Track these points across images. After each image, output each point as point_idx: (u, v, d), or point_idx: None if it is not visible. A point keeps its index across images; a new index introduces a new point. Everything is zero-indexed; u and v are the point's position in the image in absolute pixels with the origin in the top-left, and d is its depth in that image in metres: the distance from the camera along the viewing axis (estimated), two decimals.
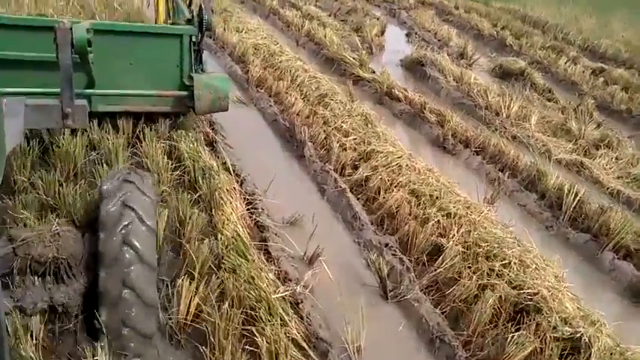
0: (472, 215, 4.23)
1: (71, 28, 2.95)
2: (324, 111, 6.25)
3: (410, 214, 4.35)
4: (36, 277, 2.63)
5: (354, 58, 8.71)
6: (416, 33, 12.86)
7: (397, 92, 7.57)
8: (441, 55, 9.94)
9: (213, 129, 5.54)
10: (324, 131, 5.78)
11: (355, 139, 5.59)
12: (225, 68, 7.93)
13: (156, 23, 5.42)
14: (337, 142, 5.48)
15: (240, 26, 9.40)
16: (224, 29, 9.25)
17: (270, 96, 6.90)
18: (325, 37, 9.67)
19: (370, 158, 5.24)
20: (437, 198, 4.52)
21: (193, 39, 4.50)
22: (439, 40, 12.45)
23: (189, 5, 5.11)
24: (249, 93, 7.02)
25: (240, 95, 6.93)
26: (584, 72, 10.70)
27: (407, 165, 4.97)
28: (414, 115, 7.06)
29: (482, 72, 10.61)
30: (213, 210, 3.77)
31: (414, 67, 9.69)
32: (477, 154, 6.22)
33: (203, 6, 4.43)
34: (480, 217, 4.21)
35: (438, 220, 4.14)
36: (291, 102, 6.56)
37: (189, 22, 4.61)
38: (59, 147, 4.19)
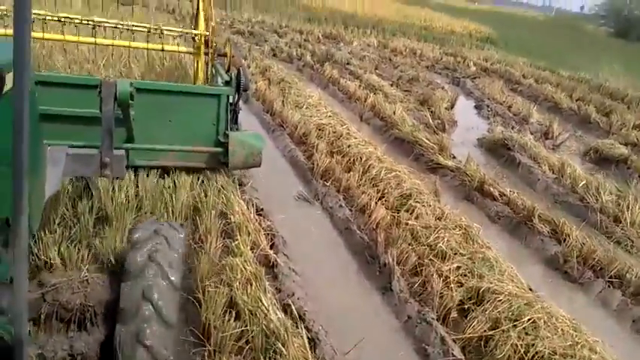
0: None
1: (115, 83, 3.25)
2: (410, 219, 4.95)
3: None
4: (61, 324, 2.59)
5: (428, 140, 7.49)
6: (487, 106, 11.63)
7: (490, 188, 6.22)
8: (529, 138, 8.60)
9: (272, 244, 4.31)
10: (414, 251, 4.45)
11: (459, 266, 4.22)
12: (284, 152, 6.84)
13: (195, 84, 5.61)
14: (436, 271, 4.13)
15: (299, 100, 8.42)
16: (283, 103, 8.29)
17: (338, 191, 5.68)
18: (394, 114, 8.54)
19: (484, 300, 3.85)
20: None
21: (230, 99, 4.68)
22: (515, 115, 11.16)
23: (228, 69, 5.34)
24: (313, 186, 5.83)
25: (303, 190, 5.74)
26: None
27: (545, 320, 3.53)
28: (517, 222, 5.66)
29: (572, 155, 9.17)
30: None
31: (497, 150, 8.36)
32: (612, 286, 4.71)
33: (241, 70, 4.72)
34: None
35: None
36: (365, 202, 5.31)
37: (227, 83, 4.84)
38: None
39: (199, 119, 4.56)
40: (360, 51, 16.54)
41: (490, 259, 4.31)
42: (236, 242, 3.78)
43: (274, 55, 13.93)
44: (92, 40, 5.31)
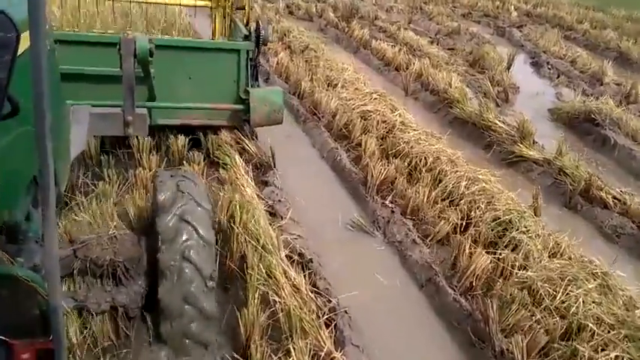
0: None
1: (134, 40, 3.38)
2: (517, 260, 3.53)
3: None
4: (95, 279, 2.65)
5: (505, 123, 5.92)
6: (547, 62, 9.85)
7: (601, 193, 4.72)
8: (611, 105, 6.92)
9: (335, 326, 2.94)
10: (538, 322, 3.05)
11: (617, 356, 2.82)
12: (322, 152, 5.36)
13: (213, 39, 5.33)
14: None
15: (332, 76, 6.83)
16: (312, 80, 6.71)
17: (404, 214, 4.25)
18: (450, 86, 6.91)
19: None
20: None
21: (250, 54, 4.56)
22: (582, 72, 9.39)
23: (247, 23, 5.13)
24: (369, 207, 4.39)
25: (357, 215, 4.30)
26: None
27: None
28: None
29: None
30: None
31: (579, 125, 6.76)
32: None
33: (260, 23, 4.55)
34: None
35: None
36: (445, 232, 3.91)
37: (246, 38, 4.64)
38: None
39: (219, 75, 4.48)
40: (385, 1, 14.54)
41: None
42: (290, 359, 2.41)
43: (290, 12, 12.10)
44: None
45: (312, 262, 3.46)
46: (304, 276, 3.19)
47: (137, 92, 3.50)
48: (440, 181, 4.53)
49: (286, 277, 2.96)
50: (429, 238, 3.96)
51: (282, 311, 2.71)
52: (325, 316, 2.88)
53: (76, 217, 3.10)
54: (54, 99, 1.63)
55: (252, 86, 4.58)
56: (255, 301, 2.72)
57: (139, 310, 2.72)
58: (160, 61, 3.65)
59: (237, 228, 3.16)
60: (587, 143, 6.41)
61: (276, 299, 2.77)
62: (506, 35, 12.21)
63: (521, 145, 5.48)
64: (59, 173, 2.10)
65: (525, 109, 7.30)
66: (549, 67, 9.66)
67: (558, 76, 9.17)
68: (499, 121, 5.88)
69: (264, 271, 2.89)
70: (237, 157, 4.44)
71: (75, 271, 2.60)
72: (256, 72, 4.74)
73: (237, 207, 3.29)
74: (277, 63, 7.51)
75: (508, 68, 8.86)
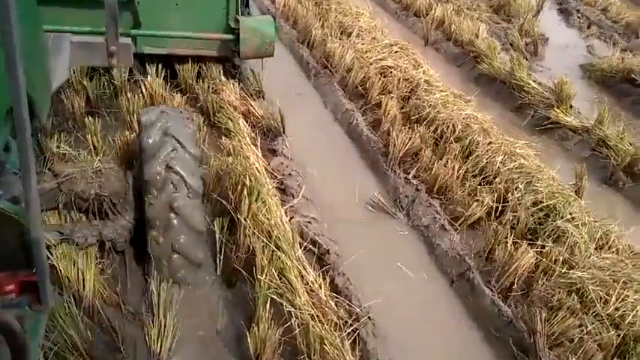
0: None
1: None
2: (561, 254, 3.09)
3: None
4: (81, 213, 2.66)
5: (535, 82, 5.32)
6: (578, 10, 9.00)
7: None
8: None
9: (358, 336, 2.54)
10: (588, 334, 2.66)
11: None
12: (336, 113, 4.78)
13: None
14: None
15: (346, 22, 6.09)
16: (323, 27, 6.00)
17: (430, 192, 3.77)
18: (477, 37, 6.21)
19: None
20: None
21: None
22: (615, 22, 8.59)
23: None
24: (390, 182, 3.90)
25: (377, 192, 3.81)
26: None
27: None
28: None
29: None
30: None
31: (615, 85, 6.15)
32: None
33: None
34: None
35: None
36: (478, 217, 3.45)
37: None
38: None
39: (208, 2, 4.27)
40: None
41: None
42: None
43: None
44: None
45: (329, 253, 3.02)
46: (321, 273, 2.76)
47: (121, 19, 3.32)
48: (470, 153, 4.02)
49: (302, 280, 2.52)
50: (459, 222, 3.50)
51: (298, 326, 2.29)
52: (349, 329, 2.46)
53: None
54: (28, 23, 1.51)
55: (242, 14, 4.32)
56: (266, 314, 2.29)
57: (127, 244, 2.76)
58: None
59: (245, 220, 2.68)
60: (625, 106, 5.82)
61: (291, 310, 2.34)
62: None
63: (557, 110, 4.91)
64: (38, 102, 1.99)
65: (556, 65, 6.66)
66: (579, 15, 8.83)
67: (589, 26, 8.38)
68: (533, 80, 5.26)
69: (275, 273, 2.44)
70: (241, 121, 3.89)
71: (60, 205, 2.60)
72: None
73: (245, 192, 2.79)
74: (284, 5, 6.74)
75: (536, 15, 8.06)
